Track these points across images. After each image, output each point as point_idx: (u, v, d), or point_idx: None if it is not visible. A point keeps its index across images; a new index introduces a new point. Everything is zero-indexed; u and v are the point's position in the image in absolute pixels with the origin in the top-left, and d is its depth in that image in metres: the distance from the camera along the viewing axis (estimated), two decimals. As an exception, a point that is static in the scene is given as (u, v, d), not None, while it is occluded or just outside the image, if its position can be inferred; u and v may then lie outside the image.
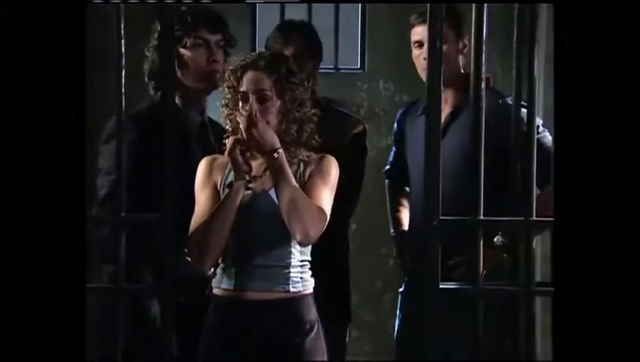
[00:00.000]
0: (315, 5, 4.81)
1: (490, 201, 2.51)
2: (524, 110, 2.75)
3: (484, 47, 2.46)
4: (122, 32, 2.43)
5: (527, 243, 2.49)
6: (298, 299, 2.59)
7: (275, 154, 2.53)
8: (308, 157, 2.65)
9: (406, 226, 3.28)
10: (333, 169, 2.64)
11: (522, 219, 2.48)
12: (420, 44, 3.09)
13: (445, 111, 3.06)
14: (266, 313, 2.56)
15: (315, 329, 2.60)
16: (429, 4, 2.51)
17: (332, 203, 2.61)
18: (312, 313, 2.61)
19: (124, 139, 2.34)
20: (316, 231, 2.54)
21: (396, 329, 3.29)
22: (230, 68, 2.68)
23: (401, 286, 3.29)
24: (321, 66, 5.07)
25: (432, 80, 2.51)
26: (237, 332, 2.55)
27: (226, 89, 2.68)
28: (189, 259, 2.60)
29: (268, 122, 2.59)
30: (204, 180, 2.66)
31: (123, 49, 2.45)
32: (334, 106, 3.45)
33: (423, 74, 3.08)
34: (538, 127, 2.97)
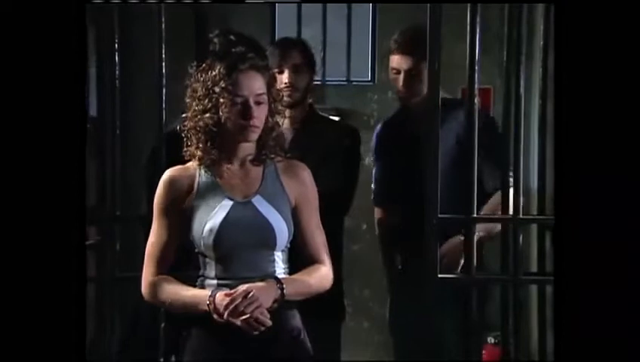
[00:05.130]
0: (328, 22, 5.02)
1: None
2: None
3: (476, 67, 2.77)
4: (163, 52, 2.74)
5: (515, 238, 2.79)
6: (284, 308, 2.38)
7: (283, 296, 2.36)
8: (279, 157, 2.48)
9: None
10: (313, 183, 2.50)
11: (510, 216, 2.79)
12: (397, 71, 3.24)
13: (420, 125, 3.12)
14: None
15: (300, 336, 2.44)
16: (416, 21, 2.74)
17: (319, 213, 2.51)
18: (296, 320, 2.45)
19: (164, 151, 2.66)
20: (330, 281, 2.48)
21: (388, 315, 3.50)
22: (220, 65, 2.39)
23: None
24: (335, 79, 5.34)
25: (432, 91, 2.78)
26: (220, 345, 2.36)
27: (213, 91, 2.38)
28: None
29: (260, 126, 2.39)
30: (167, 199, 2.42)
31: (164, 70, 2.78)
32: (328, 116, 3.55)
33: (398, 96, 3.29)
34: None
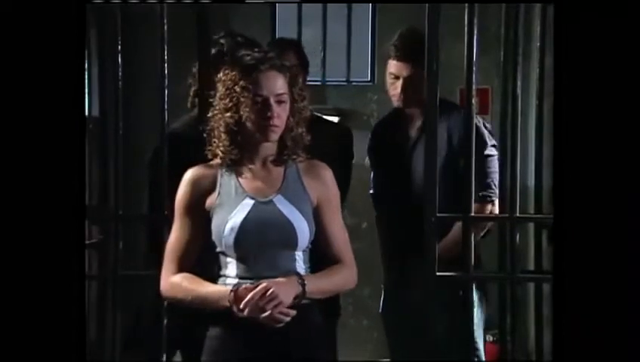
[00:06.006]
0: (329, 23, 5.07)
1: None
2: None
3: (474, 68, 2.81)
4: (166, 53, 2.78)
5: (512, 236, 2.82)
6: (305, 306, 2.38)
7: (304, 293, 2.36)
8: (300, 157, 2.48)
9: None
10: (334, 183, 2.51)
11: (507, 215, 2.82)
12: (395, 77, 3.24)
13: (415, 126, 3.30)
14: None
15: (321, 335, 2.46)
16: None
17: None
18: (318, 319, 2.45)
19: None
20: (354, 280, 2.51)
21: (381, 306, 3.55)
22: (241, 64, 2.41)
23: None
24: (335, 79, 5.38)
25: (429, 97, 2.81)
26: (243, 344, 2.36)
27: (234, 90, 2.39)
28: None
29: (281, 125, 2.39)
30: (190, 200, 2.43)
31: (166, 71, 2.80)
32: (321, 116, 3.60)
33: (394, 99, 3.30)
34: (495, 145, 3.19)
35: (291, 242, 2.39)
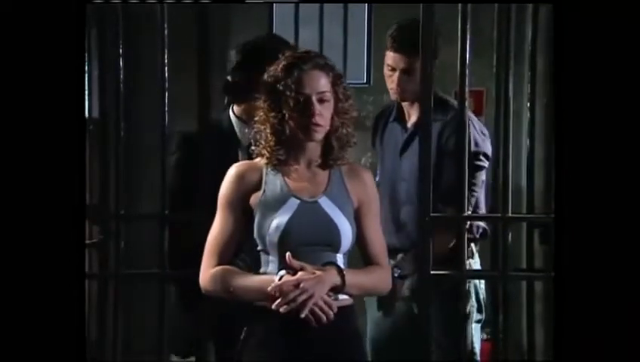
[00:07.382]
0: (325, 25, 5.11)
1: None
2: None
3: (467, 70, 2.85)
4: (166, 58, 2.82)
5: (504, 235, 2.85)
6: (344, 308, 2.40)
7: (344, 284, 2.38)
8: (343, 161, 2.50)
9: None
10: (374, 186, 2.55)
11: (499, 215, 2.85)
12: (392, 68, 3.18)
13: (410, 123, 3.27)
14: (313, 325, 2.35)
15: (358, 339, 2.49)
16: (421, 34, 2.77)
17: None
18: (356, 322, 2.47)
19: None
20: (390, 284, 2.55)
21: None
22: (283, 64, 2.41)
23: None
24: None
25: (424, 97, 2.83)
26: (283, 344, 2.37)
27: (277, 90, 2.40)
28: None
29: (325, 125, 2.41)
30: (234, 194, 2.44)
31: (167, 71, 2.83)
32: None
33: (391, 92, 3.26)
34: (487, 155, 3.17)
35: (334, 243, 2.41)
